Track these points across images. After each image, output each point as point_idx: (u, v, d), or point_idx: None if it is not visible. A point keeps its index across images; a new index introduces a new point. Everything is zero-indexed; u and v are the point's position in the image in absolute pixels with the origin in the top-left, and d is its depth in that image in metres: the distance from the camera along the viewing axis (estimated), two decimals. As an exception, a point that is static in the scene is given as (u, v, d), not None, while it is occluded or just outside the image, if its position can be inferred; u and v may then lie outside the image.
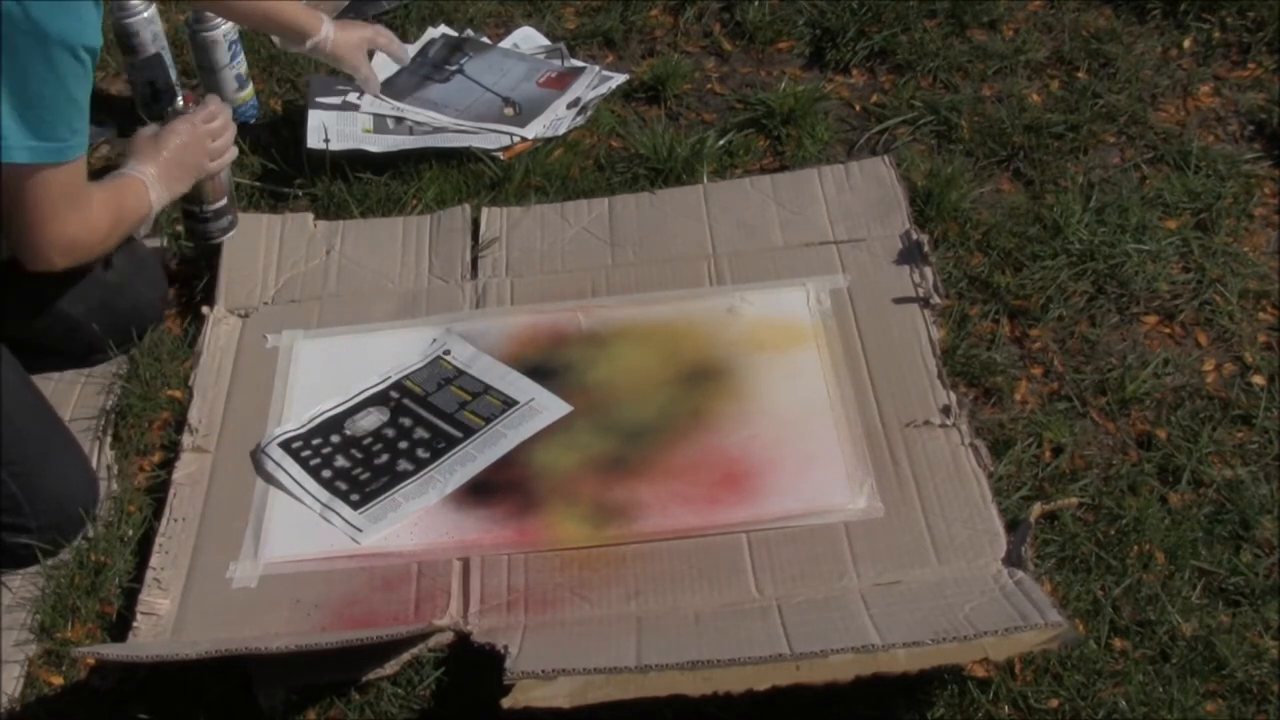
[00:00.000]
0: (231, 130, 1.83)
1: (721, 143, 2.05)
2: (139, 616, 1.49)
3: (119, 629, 1.50)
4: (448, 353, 1.75)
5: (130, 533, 1.60)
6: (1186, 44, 2.16)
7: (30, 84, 1.42)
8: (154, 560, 1.54)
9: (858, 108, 2.13)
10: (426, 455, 1.62)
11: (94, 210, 1.60)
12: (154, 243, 1.94)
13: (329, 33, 2.03)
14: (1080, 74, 2.13)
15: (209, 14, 2.04)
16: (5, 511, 1.54)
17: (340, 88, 2.14)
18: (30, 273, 1.61)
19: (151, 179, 1.71)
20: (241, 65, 2.12)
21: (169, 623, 1.48)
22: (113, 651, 1.43)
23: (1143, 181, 1.94)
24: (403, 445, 1.64)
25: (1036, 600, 1.34)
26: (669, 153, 2.01)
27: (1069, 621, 1.33)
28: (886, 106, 2.10)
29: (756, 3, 2.29)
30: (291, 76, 2.26)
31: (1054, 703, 1.35)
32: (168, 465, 1.67)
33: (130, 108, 2.18)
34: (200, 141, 1.77)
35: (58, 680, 1.47)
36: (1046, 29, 2.22)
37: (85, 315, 1.75)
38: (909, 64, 2.16)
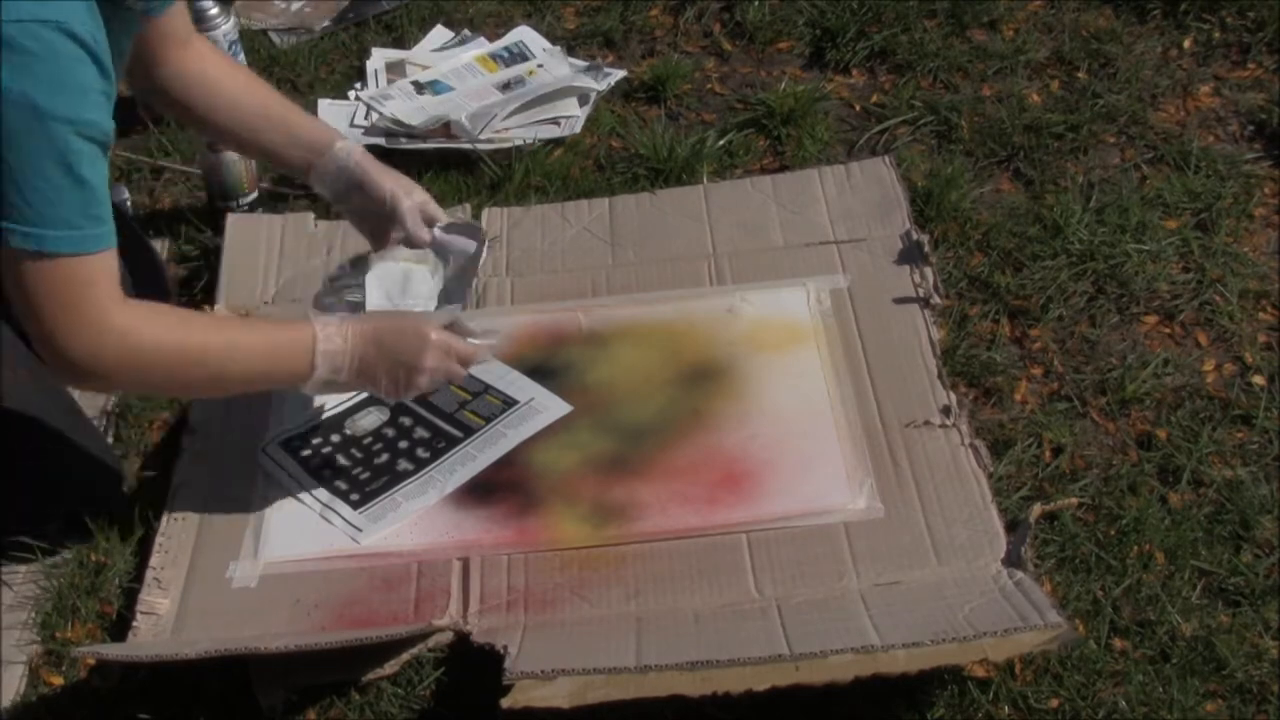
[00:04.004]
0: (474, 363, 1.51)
1: (721, 143, 2.05)
2: (139, 616, 1.48)
3: (119, 629, 1.50)
4: (448, 353, 1.75)
5: (130, 533, 1.60)
6: (1186, 44, 2.16)
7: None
8: (154, 560, 1.54)
9: (858, 108, 2.13)
10: (426, 455, 1.62)
11: (124, 333, 1.30)
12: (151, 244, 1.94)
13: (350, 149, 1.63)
14: (1080, 74, 2.13)
15: (209, 13, 2.03)
16: (29, 517, 1.55)
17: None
18: None
19: (332, 344, 1.41)
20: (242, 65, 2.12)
21: (169, 622, 1.48)
22: (113, 651, 1.43)
23: (1143, 181, 1.94)
24: (403, 445, 1.64)
25: (1036, 601, 1.34)
26: (669, 153, 2.01)
27: (1068, 622, 1.33)
28: (886, 106, 2.10)
29: (756, 3, 2.29)
30: (292, 77, 2.26)
31: (1054, 703, 1.35)
32: (168, 465, 1.67)
33: (131, 107, 2.18)
34: (429, 353, 1.45)
35: (58, 680, 1.47)
36: (1046, 29, 2.22)
37: None
38: (909, 64, 2.16)
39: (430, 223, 1.64)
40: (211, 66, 1.61)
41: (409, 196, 1.62)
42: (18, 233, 1.21)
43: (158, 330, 1.35)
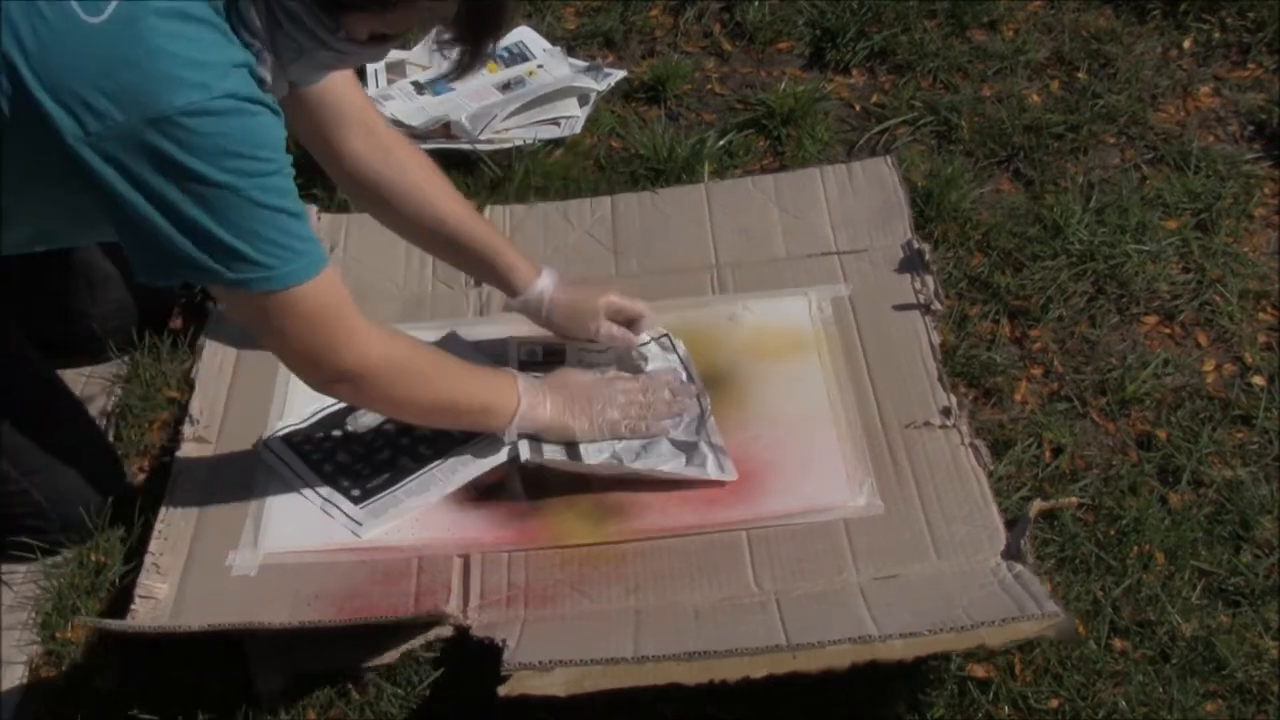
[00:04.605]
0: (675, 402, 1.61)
1: (721, 143, 2.05)
2: (137, 600, 1.47)
3: (119, 627, 1.50)
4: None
5: (130, 532, 1.59)
6: (1186, 44, 2.17)
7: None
8: (153, 545, 1.53)
9: (858, 108, 2.13)
10: (428, 452, 1.62)
11: (382, 339, 1.42)
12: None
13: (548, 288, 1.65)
14: (1080, 74, 2.13)
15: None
16: (29, 517, 1.55)
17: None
18: (51, 275, 1.61)
19: (531, 389, 1.54)
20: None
21: (167, 607, 1.47)
22: (115, 624, 1.43)
23: (1143, 182, 1.95)
24: (404, 442, 1.64)
25: (1034, 592, 1.33)
26: (669, 153, 2.01)
27: (1066, 612, 1.33)
28: (886, 106, 2.11)
29: (756, 3, 2.29)
30: (292, 76, 2.26)
31: (1054, 703, 1.35)
32: (168, 465, 1.66)
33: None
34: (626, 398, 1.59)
35: (58, 680, 1.47)
36: (1046, 29, 2.22)
37: (102, 318, 1.76)
38: (909, 64, 2.17)
39: (626, 322, 1.67)
40: (416, 176, 1.60)
41: (614, 329, 1.66)
42: (258, 279, 1.27)
43: (403, 340, 1.45)
